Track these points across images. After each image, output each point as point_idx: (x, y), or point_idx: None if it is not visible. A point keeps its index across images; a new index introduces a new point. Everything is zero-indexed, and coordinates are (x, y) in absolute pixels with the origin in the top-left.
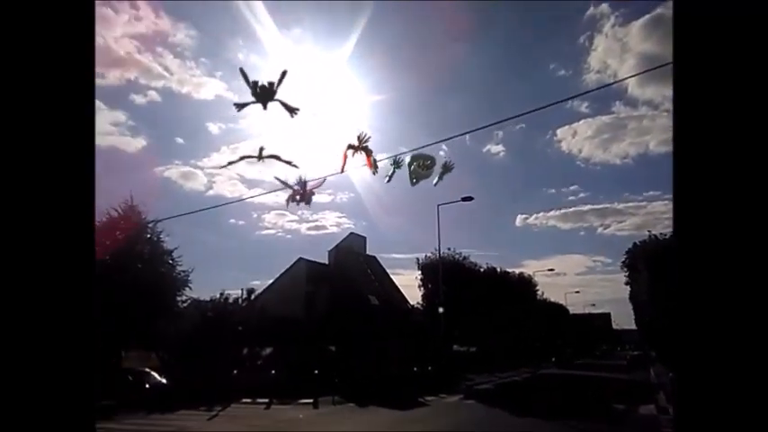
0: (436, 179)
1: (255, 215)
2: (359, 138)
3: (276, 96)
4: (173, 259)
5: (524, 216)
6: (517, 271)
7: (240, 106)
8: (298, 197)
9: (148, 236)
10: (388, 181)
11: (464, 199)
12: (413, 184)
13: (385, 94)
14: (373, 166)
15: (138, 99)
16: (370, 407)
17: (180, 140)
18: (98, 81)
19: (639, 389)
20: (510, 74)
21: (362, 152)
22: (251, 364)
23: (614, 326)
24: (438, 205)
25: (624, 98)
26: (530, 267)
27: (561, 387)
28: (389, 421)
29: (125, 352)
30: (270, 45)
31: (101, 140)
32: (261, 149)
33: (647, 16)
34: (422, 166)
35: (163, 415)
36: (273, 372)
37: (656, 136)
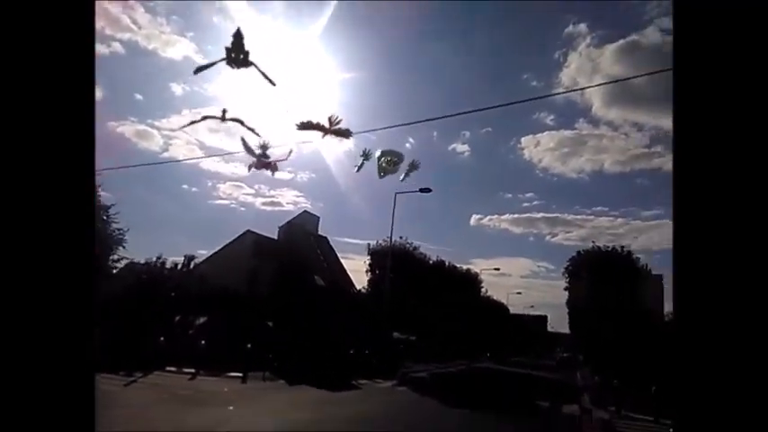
0: (402, 175)
1: (210, 183)
2: (330, 120)
3: (251, 63)
4: (108, 215)
5: (479, 216)
6: (465, 267)
7: (200, 69)
8: (263, 165)
9: None
10: (358, 171)
11: (422, 190)
12: (380, 177)
13: (355, 72)
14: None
15: (102, 49)
16: (300, 386)
17: (139, 97)
18: None
19: (565, 389)
20: (484, 76)
21: (333, 135)
22: (181, 332)
23: (549, 328)
24: (396, 193)
25: (588, 116)
26: (477, 265)
27: (492, 381)
28: (314, 401)
29: None
30: (244, 14)
31: None
32: (224, 111)
33: (622, 41)
34: (389, 163)
35: None
36: (203, 342)
37: (612, 156)
